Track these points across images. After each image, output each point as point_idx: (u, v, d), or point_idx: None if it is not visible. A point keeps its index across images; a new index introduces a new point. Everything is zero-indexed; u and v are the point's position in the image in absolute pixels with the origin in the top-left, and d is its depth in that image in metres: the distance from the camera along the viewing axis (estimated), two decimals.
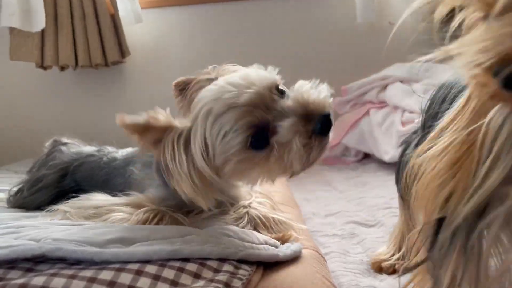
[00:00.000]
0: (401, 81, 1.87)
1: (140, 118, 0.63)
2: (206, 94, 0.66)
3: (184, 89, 0.81)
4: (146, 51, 2.37)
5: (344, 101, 2.11)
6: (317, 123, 0.58)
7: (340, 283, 0.74)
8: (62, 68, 2.25)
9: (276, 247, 0.61)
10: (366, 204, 1.24)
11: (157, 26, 2.35)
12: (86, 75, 2.36)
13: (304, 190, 1.48)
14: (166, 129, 0.63)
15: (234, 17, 2.36)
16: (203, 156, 0.60)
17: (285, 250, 0.59)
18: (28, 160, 2.08)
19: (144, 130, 0.62)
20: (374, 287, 0.73)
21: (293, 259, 0.60)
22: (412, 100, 1.70)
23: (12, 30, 2.10)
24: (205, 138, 0.61)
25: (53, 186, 0.99)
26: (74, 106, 2.42)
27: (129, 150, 0.98)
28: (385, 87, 1.94)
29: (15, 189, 1.03)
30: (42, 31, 2.11)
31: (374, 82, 1.98)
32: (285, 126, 0.58)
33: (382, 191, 1.33)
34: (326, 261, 0.72)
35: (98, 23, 2.16)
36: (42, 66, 2.18)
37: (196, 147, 0.60)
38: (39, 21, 2.04)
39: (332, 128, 0.61)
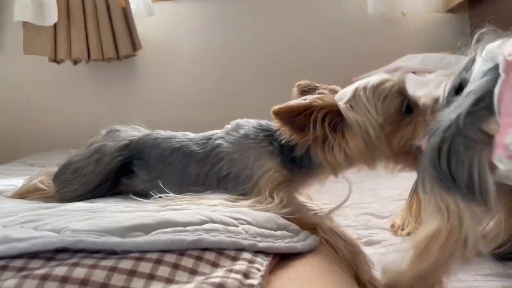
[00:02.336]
0: (414, 72, 1.85)
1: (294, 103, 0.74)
2: (351, 86, 0.78)
3: (307, 92, 0.85)
4: (158, 44, 2.38)
5: None
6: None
7: None
8: (75, 62, 2.27)
9: (295, 234, 0.62)
10: (379, 195, 1.24)
11: (168, 19, 2.36)
12: (98, 68, 2.38)
13: None
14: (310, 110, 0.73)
15: (245, 9, 2.35)
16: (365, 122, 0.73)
17: (302, 242, 0.60)
18: (43, 153, 2.11)
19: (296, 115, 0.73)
20: None
21: (312, 249, 0.61)
22: (425, 91, 1.68)
23: (25, 24, 2.12)
24: (365, 106, 0.74)
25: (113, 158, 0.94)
26: (87, 99, 2.45)
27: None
28: None
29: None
30: (55, 25, 2.13)
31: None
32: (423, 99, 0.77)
33: (395, 182, 1.33)
34: None
35: (109, 16, 2.18)
36: (55, 60, 2.20)
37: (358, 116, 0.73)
38: (52, 15, 2.06)
39: None
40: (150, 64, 2.39)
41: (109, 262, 0.44)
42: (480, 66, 0.60)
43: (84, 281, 0.42)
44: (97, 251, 0.46)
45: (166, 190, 0.77)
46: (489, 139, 0.54)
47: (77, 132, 2.43)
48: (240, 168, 0.80)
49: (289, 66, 2.24)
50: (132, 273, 0.43)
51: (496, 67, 0.56)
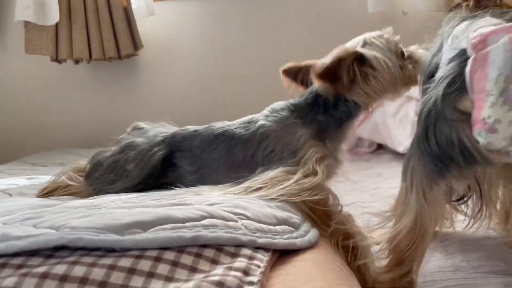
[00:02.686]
0: None
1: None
2: (355, 40, 1.02)
3: (294, 74, 0.98)
4: (159, 43, 2.38)
5: None
6: None
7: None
8: (77, 61, 2.27)
9: (296, 228, 0.63)
10: (381, 195, 1.24)
11: (169, 18, 2.36)
12: (100, 68, 2.38)
13: None
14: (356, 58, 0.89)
15: (246, 8, 2.35)
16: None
17: (302, 238, 0.60)
18: (44, 152, 2.11)
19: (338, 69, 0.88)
20: None
21: (312, 245, 0.61)
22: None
23: (26, 24, 2.12)
24: (381, 48, 0.94)
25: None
26: (89, 98, 2.45)
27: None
28: None
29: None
30: (56, 25, 2.14)
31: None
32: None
33: (397, 182, 1.32)
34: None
35: (111, 16, 2.18)
36: (57, 59, 2.20)
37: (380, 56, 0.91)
38: (53, 15, 2.06)
39: None
40: (152, 64, 2.39)
41: (108, 260, 0.44)
42: (446, 53, 0.65)
43: (83, 280, 0.42)
44: (97, 249, 0.46)
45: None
46: (467, 116, 0.58)
47: (78, 131, 2.44)
48: (285, 143, 0.86)
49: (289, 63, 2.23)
50: (131, 271, 0.43)
51: (460, 53, 0.61)
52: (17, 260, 0.45)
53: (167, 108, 2.38)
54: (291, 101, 0.95)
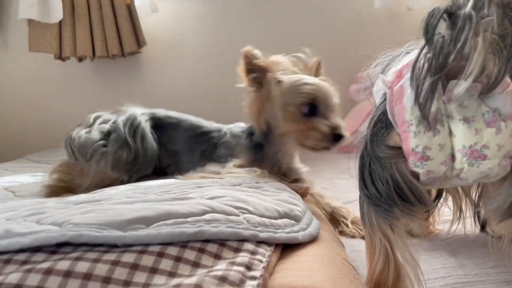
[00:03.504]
0: None
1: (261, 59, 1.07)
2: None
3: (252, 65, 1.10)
4: (162, 41, 2.38)
5: (361, 88, 2.08)
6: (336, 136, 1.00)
7: (360, 274, 0.74)
8: (80, 59, 2.27)
9: (297, 220, 0.63)
10: None
11: (173, 15, 2.36)
12: (103, 65, 2.38)
13: (321, 178, 1.48)
14: (265, 72, 1.05)
15: (249, 5, 2.35)
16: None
17: (303, 232, 0.60)
18: (48, 150, 2.11)
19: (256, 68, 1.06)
20: None
21: (313, 239, 0.62)
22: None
23: (30, 21, 2.12)
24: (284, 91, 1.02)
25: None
26: (92, 96, 2.45)
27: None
28: None
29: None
30: (60, 23, 2.14)
31: (374, 75, 1.95)
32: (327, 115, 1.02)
33: None
34: (344, 246, 0.73)
35: (114, 13, 2.18)
36: (60, 57, 2.20)
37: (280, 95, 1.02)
38: (57, 13, 2.06)
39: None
40: (155, 61, 2.39)
41: (111, 256, 0.44)
42: (377, 97, 0.66)
43: (87, 275, 0.42)
44: (100, 244, 0.46)
45: None
46: (398, 151, 0.57)
47: None
48: (229, 154, 1.10)
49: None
50: (134, 267, 0.43)
51: (384, 93, 0.60)
52: (21, 256, 0.45)
53: (170, 105, 2.38)
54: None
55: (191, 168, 1.08)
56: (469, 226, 0.83)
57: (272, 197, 0.70)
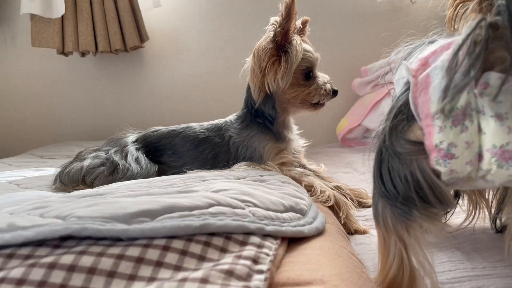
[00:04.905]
0: None
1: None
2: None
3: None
4: (165, 35, 2.37)
5: (364, 82, 2.07)
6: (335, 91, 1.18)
7: (366, 266, 0.73)
8: (83, 54, 2.27)
9: (303, 214, 0.62)
10: None
11: (175, 10, 2.35)
12: (106, 60, 2.38)
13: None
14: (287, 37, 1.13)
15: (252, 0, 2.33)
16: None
17: (309, 226, 0.59)
18: (52, 145, 2.12)
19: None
20: None
21: (319, 232, 0.61)
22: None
23: (32, 17, 2.12)
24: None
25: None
26: (95, 91, 2.45)
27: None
28: None
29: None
30: (62, 17, 2.13)
31: (395, 62, 1.94)
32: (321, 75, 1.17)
33: None
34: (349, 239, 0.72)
35: (117, 8, 2.17)
36: (63, 52, 2.20)
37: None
38: (59, 8, 2.05)
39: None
40: (157, 56, 2.39)
41: (116, 250, 0.43)
42: (397, 85, 0.62)
43: (91, 270, 0.41)
44: (104, 238, 0.45)
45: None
46: (420, 146, 0.52)
47: (85, 124, 2.45)
48: (252, 151, 1.11)
49: None
50: (139, 261, 0.43)
51: (406, 82, 0.56)
52: (25, 251, 0.44)
53: (172, 100, 2.38)
54: (236, 114, 1.22)
55: None
56: (478, 221, 0.82)
57: (277, 190, 0.69)
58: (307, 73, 1.12)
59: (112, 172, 1.10)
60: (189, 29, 2.36)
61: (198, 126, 1.21)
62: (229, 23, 2.34)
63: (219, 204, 0.54)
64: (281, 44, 1.11)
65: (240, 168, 1.02)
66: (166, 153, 1.18)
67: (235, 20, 2.34)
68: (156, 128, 1.26)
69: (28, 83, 2.45)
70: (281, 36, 1.12)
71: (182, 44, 2.37)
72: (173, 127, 1.23)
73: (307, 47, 1.15)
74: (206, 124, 1.22)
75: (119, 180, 1.07)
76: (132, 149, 1.17)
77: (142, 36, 2.22)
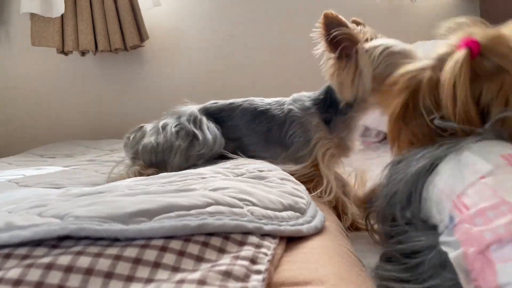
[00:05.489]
0: None
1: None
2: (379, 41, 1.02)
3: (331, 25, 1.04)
4: (165, 34, 2.37)
5: None
6: None
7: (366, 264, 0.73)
8: (83, 53, 2.27)
9: (302, 213, 0.62)
10: None
11: (175, 9, 2.35)
12: (106, 59, 2.38)
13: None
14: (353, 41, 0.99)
15: None
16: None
17: (308, 225, 0.59)
18: (52, 144, 2.11)
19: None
20: None
21: (318, 231, 0.61)
22: None
23: (32, 16, 2.12)
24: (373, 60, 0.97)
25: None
26: (95, 90, 2.45)
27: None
28: None
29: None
30: (62, 17, 2.13)
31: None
32: None
33: None
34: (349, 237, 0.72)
35: (116, 7, 2.17)
36: (63, 51, 2.20)
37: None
38: (59, 7, 2.05)
39: None
40: (158, 55, 2.39)
41: (113, 250, 0.43)
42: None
43: (89, 270, 0.41)
44: (102, 238, 0.45)
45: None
46: None
47: (85, 123, 2.45)
48: (303, 130, 1.04)
49: (296, 55, 2.22)
50: (137, 261, 0.43)
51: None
52: (22, 251, 0.44)
53: (173, 99, 2.38)
54: (312, 93, 1.11)
55: (258, 152, 1.08)
56: None
57: (276, 188, 0.69)
58: None
59: (190, 145, 1.08)
60: (189, 28, 2.36)
61: (259, 100, 1.16)
62: (229, 23, 2.34)
63: (217, 203, 0.54)
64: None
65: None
66: (225, 125, 1.14)
67: (235, 20, 2.34)
68: (214, 101, 1.24)
69: (28, 82, 2.45)
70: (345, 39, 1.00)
71: (182, 43, 2.37)
72: (232, 100, 1.20)
73: (397, 47, 1.01)
74: (269, 100, 1.16)
75: (198, 155, 1.06)
76: (204, 119, 1.14)
77: (142, 35, 2.22)
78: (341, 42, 0.99)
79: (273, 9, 2.33)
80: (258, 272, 0.44)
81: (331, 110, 1.05)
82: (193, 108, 1.21)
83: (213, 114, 1.17)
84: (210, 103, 1.22)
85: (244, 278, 0.42)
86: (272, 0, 2.33)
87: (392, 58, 0.97)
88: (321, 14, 2.46)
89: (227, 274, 0.42)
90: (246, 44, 2.33)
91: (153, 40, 2.31)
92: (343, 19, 1.02)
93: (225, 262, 0.44)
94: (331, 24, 1.03)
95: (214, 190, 0.61)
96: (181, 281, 0.40)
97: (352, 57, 0.98)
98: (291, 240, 0.56)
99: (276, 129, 1.08)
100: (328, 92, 1.06)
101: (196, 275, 0.41)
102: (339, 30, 1.00)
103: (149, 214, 0.49)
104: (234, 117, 1.14)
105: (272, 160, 1.01)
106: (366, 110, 1.05)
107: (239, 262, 0.44)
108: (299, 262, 0.50)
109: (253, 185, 0.67)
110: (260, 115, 1.11)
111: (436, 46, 0.74)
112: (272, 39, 2.30)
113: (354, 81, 0.98)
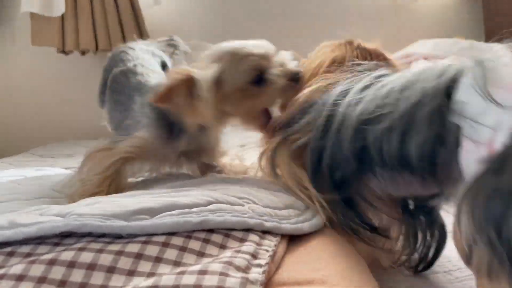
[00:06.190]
0: (425, 58, 1.82)
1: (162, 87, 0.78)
2: (225, 46, 0.89)
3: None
4: (165, 33, 2.36)
5: None
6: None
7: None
8: (83, 53, 2.27)
9: (302, 211, 0.62)
10: None
11: (175, 8, 2.34)
12: (106, 59, 2.38)
13: None
14: (189, 83, 0.79)
15: None
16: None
17: (309, 222, 0.59)
18: (52, 144, 2.11)
19: (172, 95, 0.78)
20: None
21: (319, 229, 0.60)
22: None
23: (33, 15, 2.12)
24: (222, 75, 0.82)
25: None
26: (95, 89, 2.44)
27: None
28: (409, 64, 1.89)
29: None
30: (62, 16, 2.13)
31: (397, 61, 1.93)
32: (275, 72, 0.84)
33: None
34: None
35: (117, 6, 2.17)
36: (63, 50, 2.20)
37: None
38: (59, 6, 2.05)
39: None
40: None
41: (116, 246, 0.44)
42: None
43: (91, 265, 0.42)
44: (104, 235, 0.46)
45: None
46: None
47: (86, 122, 2.44)
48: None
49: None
50: (139, 256, 0.43)
51: None
52: (25, 249, 0.45)
53: None
54: None
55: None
56: None
57: (276, 187, 0.69)
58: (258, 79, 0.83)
59: None
60: (189, 27, 2.36)
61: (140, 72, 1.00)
62: (229, 22, 2.34)
63: (218, 201, 0.54)
64: None
65: None
66: None
67: (235, 19, 2.34)
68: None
69: (28, 82, 2.45)
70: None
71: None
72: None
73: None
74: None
75: None
76: None
77: (142, 34, 2.22)
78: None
79: (273, 8, 2.33)
80: (259, 265, 0.44)
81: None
82: None
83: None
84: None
85: (245, 269, 0.43)
86: (273, 0, 2.34)
87: (246, 75, 0.83)
88: (323, 10, 2.46)
89: (229, 263, 0.42)
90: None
91: (153, 39, 2.31)
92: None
93: (226, 255, 0.44)
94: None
95: (215, 189, 0.61)
96: (182, 272, 0.41)
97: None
98: (292, 240, 0.56)
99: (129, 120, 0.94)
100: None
101: (197, 267, 0.42)
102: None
103: (151, 212, 0.49)
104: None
105: None
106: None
107: (240, 255, 0.45)
108: (301, 262, 0.50)
109: (252, 185, 0.67)
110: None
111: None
112: (274, 39, 2.30)
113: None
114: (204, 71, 0.81)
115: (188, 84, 0.78)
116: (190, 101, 0.78)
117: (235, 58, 0.85)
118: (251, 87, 0.82)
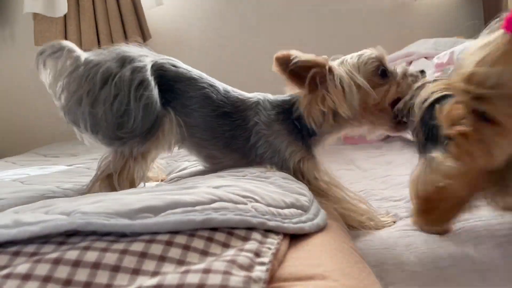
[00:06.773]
0: (426, 57, 1.83)
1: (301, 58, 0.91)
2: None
3: (286, 64, 0.94)
4: (167, 34, 2.37)
5: None
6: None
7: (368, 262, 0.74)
8: None
9: (304, 210, 0.63)
10: (391, 182, 1.23)
11: (177, 8, 2.35)
12: None
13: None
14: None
15: None
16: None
17: (311, 222, 0.60)
18: (56, 144, 2.13)
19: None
20: (402, 261, 0.73)
21: (320, 229, 0.61)
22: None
23: (35, 15, 2.13)
24: (349, 66, 0.95)
25: None
26: None
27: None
28: (409, 64, 1.90)
29: None
30: (65, 16, 2.14)
31: (398, 60, 1.94)
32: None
33: (408, 169, 1.32)
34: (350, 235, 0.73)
35: (119, 7, 2.18)
36: None
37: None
38: (62, 6, 2.06)
39: None
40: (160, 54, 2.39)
41: (120, 245, 0.44)
42: None
43: (96, 264, 0.42)
44: (108, 234, 0.46)
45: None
46: None
47: None
48: (274, 150, 0.96)
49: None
50: (143, 255, 0.44)
51: None
52: (30, 248, 0.45)
53: None
54: (275, 98, 1.04)
55: (216, 154, 0.99)
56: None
57: (278, 187, 0.70)
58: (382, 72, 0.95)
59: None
60: (192, 28, 2.37)
61: (223, 91, 1.03)
62: (231, 22, 2.35)
63: (221, 200, 0.55)
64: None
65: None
66: (178, 101, 0.98)
67: (237, 19, 2.35)
68: (175, 62, 1.06)
69: (31, 82, 2.45)
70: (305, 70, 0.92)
71: (184, 43, 2.37)
72: (195, 74, 1.06)
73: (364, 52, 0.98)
74: (233, 94, 1.04)
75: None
76: (153, 82, 0.95)
77: (144, 34, 2.23)
78: (304, 75, 0.91)
79: (276, 8, 2.34)
80: (262, 263, 0.45)
81: (297, 122, 0.98)
82: (147, 60, 1.00)
83: (167, 81, 0.99)
84: (169, 62, 1.04)
85: (248, 268, 0.43)
86: (274, 0, 2.34)
87: (369, 64, 0.95)
88: (326, 10, 2.49)
89: (232, 262, 0.43)
90: (248, 44, 2.34)
91: (155, 40, 2.32)
92: (296, 53, 0.92)
93: (229, 253, 0.45)
94: (285, 64, 0.93)
95: (218, 188, 0.62)
96: (187, 271, 0.41)
97: (327, 78, 0.91)
98: (294, 237, 0.57)
99: (240, 140, 0.98)
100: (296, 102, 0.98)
101: (201, 265, 0.42)
102: (296, 61, 0.90)
103: (155, 210, 0.50)
104: (192, 99, 0.98)
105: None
106: (345, 128, 1.00)
107: (244, 253, 0.45)
108: (302, 258, 0.51)
109: (255, 184, 0.68)
110: (223, 116, 0.98)
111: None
112: (276, 38, 2.30)
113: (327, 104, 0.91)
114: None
115: (323, 72, 0.91)
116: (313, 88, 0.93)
117: (357, 56, 0.99)
118: (375, 79, 0.94)
